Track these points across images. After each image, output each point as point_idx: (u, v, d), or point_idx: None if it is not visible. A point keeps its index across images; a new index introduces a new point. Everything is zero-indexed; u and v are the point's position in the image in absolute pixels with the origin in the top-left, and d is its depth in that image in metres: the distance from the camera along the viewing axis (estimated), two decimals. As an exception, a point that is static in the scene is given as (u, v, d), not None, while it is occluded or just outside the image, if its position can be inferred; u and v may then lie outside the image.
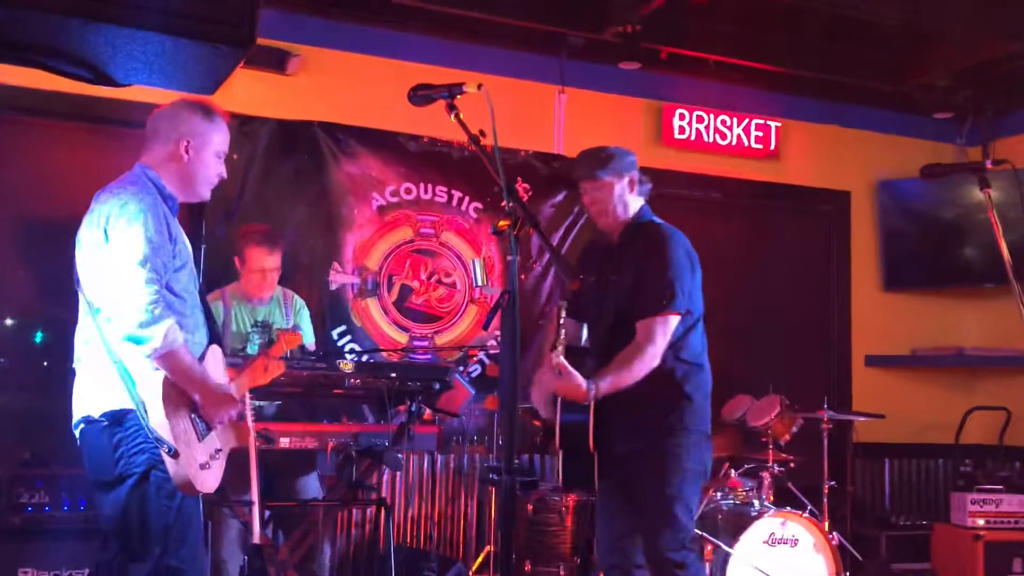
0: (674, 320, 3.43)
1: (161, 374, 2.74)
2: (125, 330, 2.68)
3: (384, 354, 5.44)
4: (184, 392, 2.80)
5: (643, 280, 3.47)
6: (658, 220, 3.68)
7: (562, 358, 3.25)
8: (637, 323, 3.43)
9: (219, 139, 3.01)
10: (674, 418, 3.47)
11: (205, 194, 3.06)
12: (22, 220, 5.20)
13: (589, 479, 3.52)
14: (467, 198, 5.84)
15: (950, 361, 6.78)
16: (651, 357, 3.38)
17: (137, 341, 2.67)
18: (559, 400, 3.47)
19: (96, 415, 2.79)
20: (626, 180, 3.61)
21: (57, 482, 4.36)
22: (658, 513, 3.43)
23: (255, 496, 3.51)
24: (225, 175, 3.07)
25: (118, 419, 2.76)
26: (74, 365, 2.89)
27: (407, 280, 5.72)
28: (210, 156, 2.99)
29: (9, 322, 5.20)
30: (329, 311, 5.44)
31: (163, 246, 2.79)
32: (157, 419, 2.71)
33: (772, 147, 6.60)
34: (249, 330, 4.54)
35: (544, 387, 3.48)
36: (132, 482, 2.76)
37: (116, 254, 2.73)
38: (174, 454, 2.71)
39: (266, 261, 4.51)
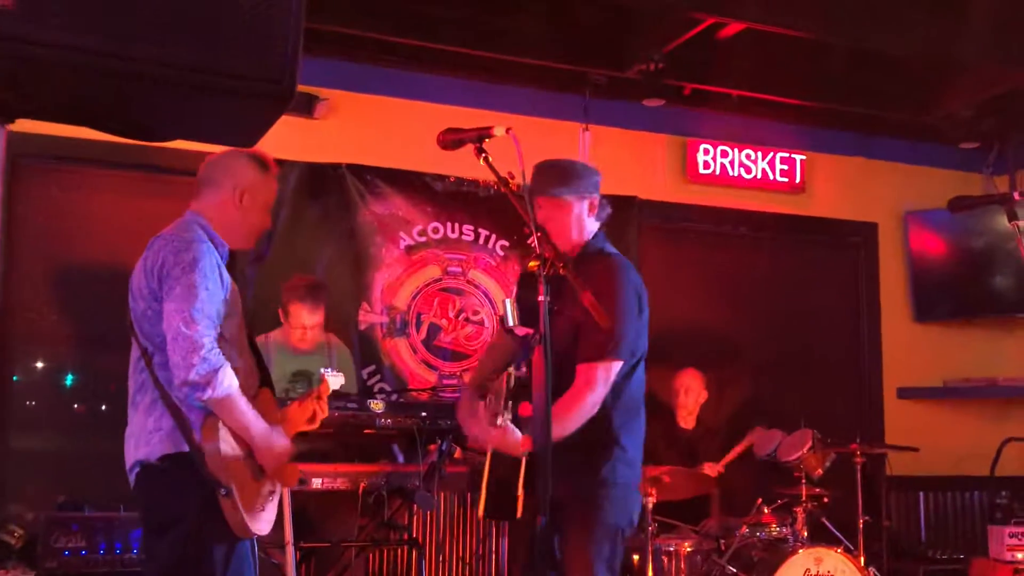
0: (617, 366, 3.22)
1: (216, 419, 2.77)
2: (181, 376, 2.70)
3: (413, 393, 5.45)
4: (239, 436, 2.82)
5: (589, 321, 2.96)
6: (611, 250, 3.42)
7: (507, 419, 3.01)
8: (578, 367, 3.20)
9: (271, 191, 3.08)
10: (606, 470, 3.23)
11: (251, 243, 3.13)
12: (59, 266, 5.27)
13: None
14: (493, 236, 5.87)
15: (983, 392, 6.71)
16: (590, 406, 3.17)
17: (193, 387, 2.70)
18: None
19: (153, 459, 2.80)
20: (586, 203, 3.37)
21: (93, 525, 4.38)
22: (580, 568, 3.21)
23: (289, 537, 3.51)
24: (270, 226, 3.13)
25: (174, 462, 2.78)
26: (128, 409, 2.91)
27: (435, 319, 5.74)
28: (262, 208, 3.05)
29: (41, 365, 5.26)
30: (359, 350, 5.47)
31: (217, 294, 2.82)
32: (212, 462, 2.73)
33: (798, 180, 6.59)
34: (289, 381, 4.58)
35: (479, 427, 3.17)
36: (188, 525, 2.77)
37: (172, 302, 2.75)
38: (230, 496, 2.73)
39: (307, 319, 4.58)
